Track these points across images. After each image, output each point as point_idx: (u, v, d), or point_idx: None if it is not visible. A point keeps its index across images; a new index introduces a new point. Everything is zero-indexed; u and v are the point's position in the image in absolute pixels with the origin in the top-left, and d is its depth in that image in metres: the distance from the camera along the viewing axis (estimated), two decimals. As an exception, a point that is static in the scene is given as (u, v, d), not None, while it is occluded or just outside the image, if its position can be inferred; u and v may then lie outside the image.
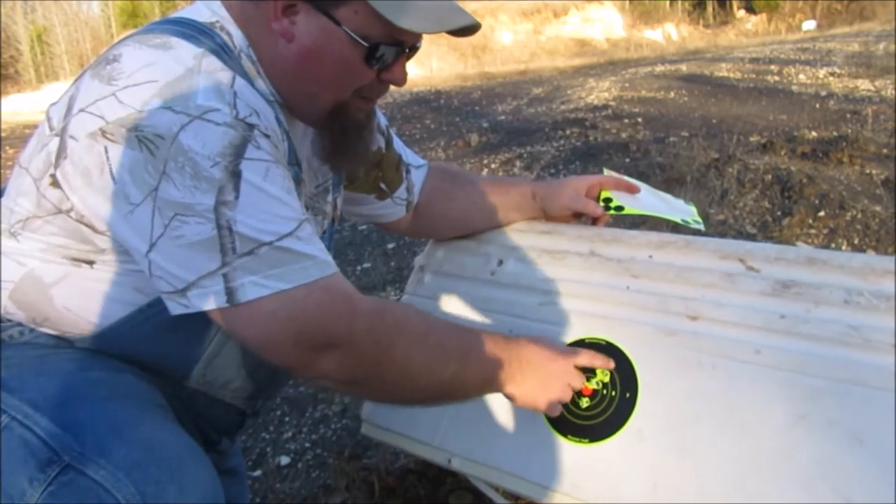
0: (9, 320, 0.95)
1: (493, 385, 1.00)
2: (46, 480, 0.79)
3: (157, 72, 0.83)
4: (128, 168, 0.80)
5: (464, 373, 0.95)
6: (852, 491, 0.83)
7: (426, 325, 0.95)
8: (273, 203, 0.83)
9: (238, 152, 0.81)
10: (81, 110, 0.83)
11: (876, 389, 0.86)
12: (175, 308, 0.83)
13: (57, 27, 53.35)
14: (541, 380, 1.01)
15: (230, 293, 0.80)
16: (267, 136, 0.85)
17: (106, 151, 0.81)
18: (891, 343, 0.88)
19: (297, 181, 0.99)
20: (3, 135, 12.71)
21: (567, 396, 1.04)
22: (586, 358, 1.05)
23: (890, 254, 2.91)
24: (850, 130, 5.19)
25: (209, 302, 0.81)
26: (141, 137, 0.79)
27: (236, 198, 0.80)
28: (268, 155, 0.84)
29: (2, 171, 7.53)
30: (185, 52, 0.85)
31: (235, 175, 0.80)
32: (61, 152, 0.85)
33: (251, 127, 0.83)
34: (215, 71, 0.85)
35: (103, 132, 0.81)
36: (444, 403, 1.10)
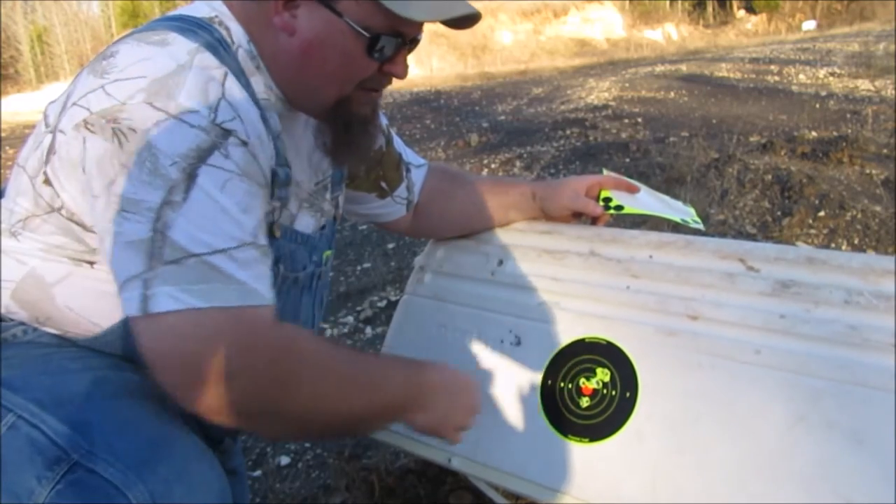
0: (11, 319, 0.95)
1: (400, 415, 0.98)
2: (55, 478, 0.79)
3: (148, 67, 0.82)
4: (96, 159, 0.80)
5: (371, 406, 0.93)
6: (852, 491, 0.83)
7: (335, 361, 0.90)
8: (220, 216, 0.80)
9: (201, 157, 0.80)
10: (74, 104, 0.84)
11: (876, 390, 0.86)
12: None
13: (57, 27, 53.36)
14: (445, 407, 1.01)
15: (144, 301, 0.77)
16: (244, 144, 0.84)
17: (85, 142, 0.81)
18: (891, 343, 0.88)
19: (288, 182, 0.98)
20: (3, 135, 12.71)
21: (470, 424, 1.04)
22: (475, 384, 1.07)
23: (890, 254, 2.90)
24: (850, 130, 5.19)
25: (127, 307, 0.78)
26: (116, 129, 0.79)
27: (183, 200, 0.78)
28: (234, 166, 0.82)
29: (2, 171, 7.53)
30: (180, 48, 0.85)
31: (190, 178, 0.79)
32: (52, 148, 0.86)
33: (227, 133, 0.82)
34: (207, 68, 0.85)
35: (86, 123, 0.81)
36: (349, 436, 1.08)
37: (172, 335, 0.77)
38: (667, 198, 1.39)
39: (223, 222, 0.80)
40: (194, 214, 0.78)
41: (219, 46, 0.89)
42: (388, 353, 1.02)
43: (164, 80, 0.81)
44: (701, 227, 1.29)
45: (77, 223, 0.88)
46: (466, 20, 0.94)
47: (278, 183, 0.96)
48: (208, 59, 0.86)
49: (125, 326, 0.93)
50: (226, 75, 0.86)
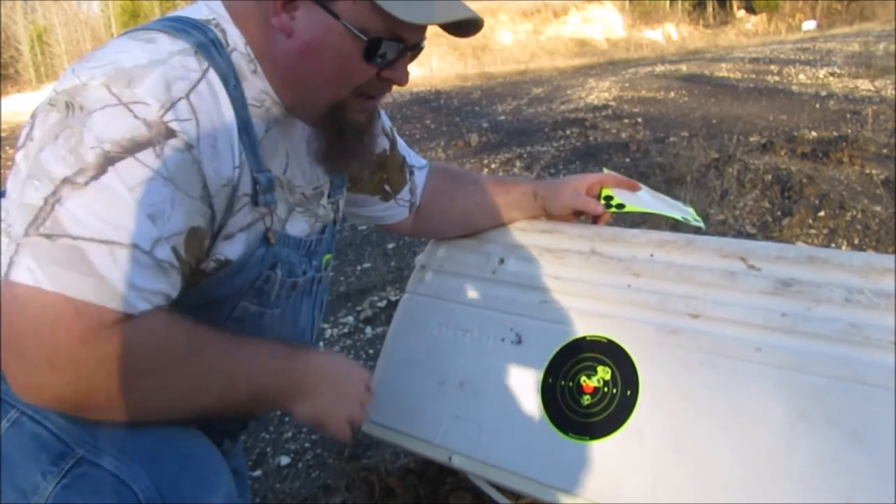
0: None
1: (274, 401, 0.95)
2: (60, 473, 0.79)
3: (122, 58, 0.83)
4: (44, 130, 0.80)
5: (229, 396, 0.88)
6: (853, 490, 0.83)
7: (187, 353, 0.84)
8: (118, 209, 0.77)
9: (131, 148, 0.78)
10: (52, 90, 0.85)
11: (876, 387, 0.86)
12: None
13: (57, 27, 53.37)
14: (329, 397, 0.97)
15: (9, 265, 0.76)
16: (188, 148, 0.82)
17: (46, 119, 0.81)
18: (891, 341, 0.88)
19: (270, 188, 0.96)
20: (3, 135, 12.71)
21: (360, 417, 1.00)
22: (370, 380, 1.03)
23: (890, 254, 2.90)
24: (850, 130, 5.19)
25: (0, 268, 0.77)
26: (68, 103, 0.80)
27: (85, 184, 0.76)
28: (163, 168, 0.80)
29: (2, 171, 7.53)
30: (161, 47, 0.85)
31: (102, 167, 0.77)
32: (29, 136, 0.86)
33: (170, 133, 0.81)
34: (181, 67, 0.84)
35: (50, 102, 0.82)
36: (222, 419, 1.04)
37: (15, 307, 0.75)
38: (667, 198, 1.39)
39: (118, 217, 0.78)
40: (90, 200, 0.77)
41: (211, 47, 0.88)
42: (272, 341, 0.97)
43: (129, 70, 0.81)
44: (701, 225, 1.29)
45: None
46: (468, 27, 0.93)
47: (261, 189, 0.95)
48: (189, 61, 0.85)
49: None
50: (200, 79, 0.85)
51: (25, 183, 0.78)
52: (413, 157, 1.32)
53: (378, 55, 0.91)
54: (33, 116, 0.87)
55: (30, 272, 0.74)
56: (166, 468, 0.80)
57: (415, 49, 0.96)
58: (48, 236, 0.75)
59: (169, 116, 0.81)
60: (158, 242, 0.80)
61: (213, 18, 0.93)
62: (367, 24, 0.88)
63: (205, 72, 0.86)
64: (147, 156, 0.79)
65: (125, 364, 0.78)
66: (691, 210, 1.35)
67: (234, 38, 0.92)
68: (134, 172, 0.78)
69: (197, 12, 0.94)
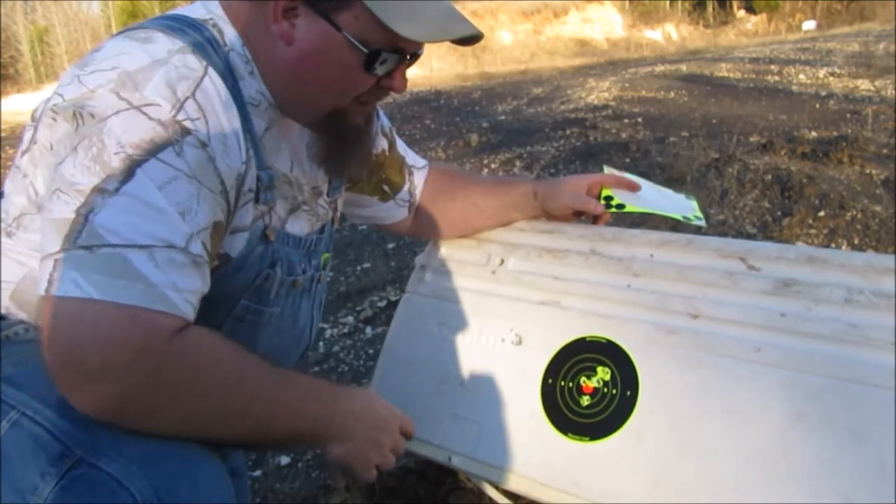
0: (12, 318, 0.95)
1: (308, 440, 0.97)
2: (59, 474, 0.79)
3: (123, 60, 0.83)
4: (57, 141, 0.81)
5: (267, 428, 0.89)
6: (853, 489, 0.83)
7: (235, 378, 0.85)
8: (150, 212, 0.78)
9: (152, 150, 0.79)
10: (53, 93, 0.85)
11: (876, 387, 0.86)
12: None
13: (57, 27, 53.37)
14: (362, 441, 0.96)
15: (50, 281, 0.76)
16: (202, 146, 0.83)
17: (52, 127, 0.82)
18: (891, 341, 0.89)
19: (271, 185, 0.97)
20: (3, 135, 12.72)
21: (390, 463, 0.99)
22: (409, 425, 1.02)
23: (890, 254, 2.90)
24: (850, 130, 5.19)
25: (39, 285, 0.77)
26: (78, 113, 0.80)
27: (116, 190, 0.77)
28: (185, 165, 0.81)
29: (2, 171, 7.53)
30: (161, 46, 0.86)
31: (130, 171, 0.78)
32: (33, 139, 0.87)
33: (185, 132, 0.82)
34: (185, 67, 0.84)
35: (55, 108, 0.82)
36: (249, 450, 1.04)
37: (66, 320, 0.75)
38: (669, 191, 1.39)
39: (152, 220, 0.78)
40: (123, 206, 0.77)
41: (207, 45, 0.89)
42: (319, 379, 0.97)
43: (134, 73, 0.82)
44: (703, 223, 1.28)
45: None
46: (468, 39, 0.93)
47: (262, 187, 0.95)
48: (189, 59, 0.86)
49: None
50: (203, 77, 0.86)
51: (51, 199, 0.79)
52: (412, 158, 1.32)
53: (377, 65, 0.92)
54: (36, 119, 0.88)
55: (75, 285, 0.75)
56: (164, 469, 0.80)
57: (413, 58, 0.96)
58: (87, 248, 0.76)
59: (181, 115, 0.82)
60: (192, 238, 0.82)
61: (211, 18, 0.93)
62: (367, 35, 0.89)
63: (206, 70, 0.86)
64: (168, 155, 0.80)
65: (176, 377, 0.79)
66: (694, 204, 1.35)
67: (232, 38, 0.92)
68: (160, 172, 0.79)
69: (194, 12, 0.94)
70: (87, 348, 0.75)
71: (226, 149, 0.87)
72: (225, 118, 0.87)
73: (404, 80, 0.97)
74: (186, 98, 0.83)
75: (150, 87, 0.81)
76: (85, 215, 0.76)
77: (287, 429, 0.91)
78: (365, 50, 0.89)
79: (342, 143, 1.01)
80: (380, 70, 0.92)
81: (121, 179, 0.77)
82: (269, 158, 0.98)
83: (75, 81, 0.83)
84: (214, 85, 0.87)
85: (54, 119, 0.82)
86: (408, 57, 0.95)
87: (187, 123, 0.82)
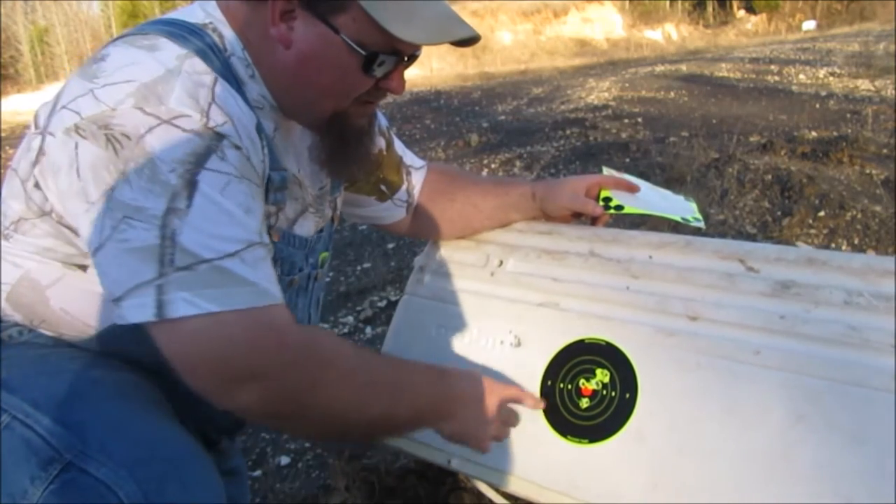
0: (7, 321, 0.95)
1: (427, 421, 0.99)
2: (48, 479, 0.79)
3: (136, 72, 0.82)
4: (91, 165, 0.80)
5: (395, 410, 0.94)
6: (852, 491, 0.83)
7: (358, 362, 0.91)
8: (224, 219, 0.80)
9: (199, 161, 0.80)
10: (63, 107, 0.84)
11: (876, 390, 0.86)
12: (115, 318, 0.81)
13: (57, 27, 53.35)
14: (475, 416, 1.01)
15: (160, 307, 0.77)
16: (237, 148, 0.84)
17: (76, 148, 0.81)
18: (890, 344, 0.88)
19: (283, 186, 0.98)
20: (3, 135, 12.71)
21: (502, 435, 1.04)
22: (516, 392, 1.06)
23: (890, 254, 2.90)
24: (850, 130, 5.19)
25: (139, 314, 0.78)
26: (109, 136, 0.79)
27: (188, 207, 0.78)
28: (232, 168, 0.83)
29: (1, 171, 7.53)
30: (169, 53, 0.85)
31: (191, 184, 0.78)
32: (41, 150, 0.86)
33: (220, 137, 0.82)
34: (196, 73, 0.84)
35: (77, 128, 0.81)
36: (375, 439, 1.08)
37: (194, 340, 0.78)
38: (668, 193, 1.39)
39: (229, 226, 0.80)
40: (200, 220, 0.78)
41: (209, 52, 0.88)
42: (418, 360, 1.03)
43: (152, 85, 0.81)
44: (702, 224, 1.28)
45: (66, 227, 0.88)
46: (466, 41, 0.94)
47: (273, 187, 0.96)
48: (198, 64, 0.85)
49: (120, 328, 0.93)
50: (215, 80, 0.86)
51: (120, 228, 0.78)
52: (410, 158, 1.32)
53: (376, 67, 0.92)
54: (42, 128, 0.87)
55: (189, 304, 0.77)
56: (152, 472, 0.80)
57: (411, 59, 0.96)
58: (186, 268, 0.77)
59: (211, 122, 0.82)
60: (261, 232, 0.85)
61: (210, 22, 0.92)
62: (365, 38, 0.89)
63: (214, 75, 0.87)
64: (215, 162, 0.81)
65: (314, 365, 0.84)
66: (693, 205, 1.35)
67: (231, 42, 0.92)
68: (214, 181, 0.80)
69: (192, 15, 0.93)
70: (230, 358, 0.78)
71: (254, 147, 0.89)
72: (243, 120, 0.87)
73: (403, 81, 0.97)
74: (209, 104, 0.83)
75: (173, 99, 0.81)
76: (171, 238, 0.77)
77: (412, 408, 0.96)
78: (363, 52, 0.89)
79: (344, 145, 1.01)
80: (378, 72, 0.93)
81: (186, 196, 0.78)
82: (282, 159, 0.99)
83: (89, 96, 0.82)
84: (226, 88, 0.87)
85: (80, 139, 0.80)
86: (406, 58, 0.95)
87: (219, 129, 0.82)
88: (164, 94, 0.81)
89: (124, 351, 0.96)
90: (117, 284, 0.79)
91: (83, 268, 0.91)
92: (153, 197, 0.78)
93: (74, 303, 0.92)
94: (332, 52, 0.89)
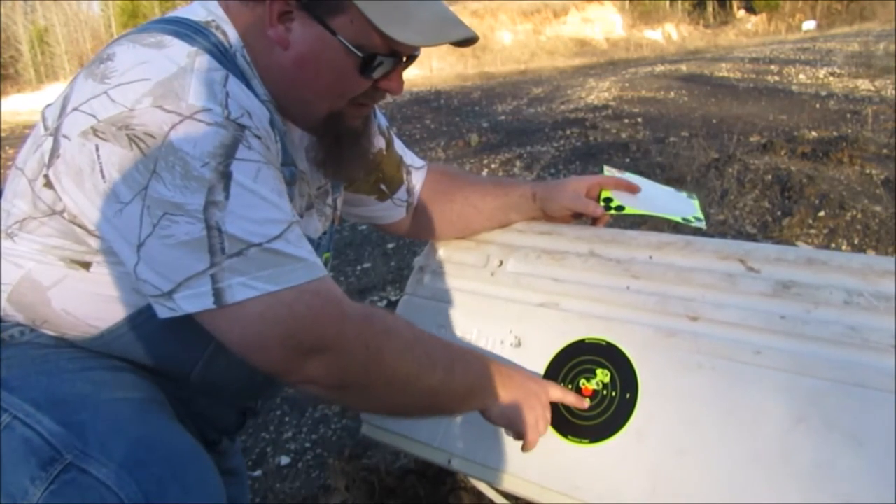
0: (8, 321, 0.95)
1: (478, 397, 1.00)
2: (49, 479, 0.79)
3: (149, 70, 0.82)
4: (118, 166, 0.80)
5: (450, 382, 0.95)
6: (852, 492, 0.83)
7: (413, 334, 0.94)
8: (263, 205, 0.82)
9: (229, 153, 0.80)
10: (75, 109, 0.83)
11: (876, 390, 0.86)
12: (163, 312, 0.82)
13: (57, 27, 53.34)
14: (522, 398, 1.02)
15: (218, 294, 0.79)
16: (258, 137, 0.85)
17: (97, 150, 0.80)
18: (891, 344, 0.88)
19: (293, 181, 0.99)
20: (3, 135, 12.71)
21: (544, 424, 1.04)
22: (559, 392, 1.06)
23: (890, 254, 2.91)
24: (850, 130, 5.19)
25: (196, 303, 0.79)
26: (132, 136, 0.79)
27: (226, 198, 0.79)
28: (259, 156, 0.84)
29: (1, 171, 7.53)
30: (179, 51, 0.85)
31: (226, 176, 0.79)
32: (54, 152, 0.85)
33: (242, 128, 0.83)
34: (208, 70, 0.84)
35: (95, 130, 0.80)
36: (431, 415, 1.09)
37: (258, 320, 0.80)
38: (670, 189, 1.38)
39: (268, 210, 0.82)
40: (241, 208, 0.80)
41: (216, 51, 0.88)
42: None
43: (168, 83, 0.81)
44: (703, 225, 1.28)
45: (79, 226, 0.88)
46: (464, 41, 0.93)
47: (285, 181, 0.96)
48: (208, 61, 0.85)
49: (123, 328, 0.94)
50: (227, 77, 0.86)
51: (161, 224, 0.79)
52: (410, 157, 1.32)
53: (373, 69, 0.92)
54: (53, 130, 0.86)
55: (247, 287, 0.79)
56: (153, 473, 0.80)
57: (410, 60, 0.96)
58: (237, 254, 0.79)
59: (232, 114, 0.83)
60: (293, 211, 0.88)
61: (213, 20, 0.92)
62: (362, 39, 0.89)
63: (225, 72, 0.87)
64: (243, 152, 0.82)
65: (373, 334, 0.87)
66: (695, 203, 1.34)
67: (234, 40, 0.92)
68: (246, 170, 0.81)
69: (194, 13, 0.93)
70: (297, 333, 0.81)
71: (270, 139, 0.89)
72: (259, 114, 0.88)
73: (401, 82, 0.97)
74: (227, 97, 0.84)
75: (192, 95, 0.81)
76: (217, 228, 0.78)
77: (465, 382, 0.97)
78: (360, 54, 0.89)
79: (340, 146, 1.01)
80: (376, 73, 0.93)
81: (223, 188, 0.79)
82: (293, 154, 1.00)
83: (104, 98, 0.81)
84: (237, 83, 0.87)
85: (101, 141, 0.80)
86: (404, 59, 0.95)
87: (240, 120, 0.83)
88: (181, 90, 0.81)
89: (127, 352, 0.96)
90: (166, 279, 0.80)
91: (86, 266, 0.91)
92: (190, 193, 0.78)
93: (76, 303, 0.92)
94: (329, 53, 0.89)
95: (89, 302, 0.92)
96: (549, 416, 1.05)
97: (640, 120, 6.60)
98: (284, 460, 1.94)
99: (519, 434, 1.04)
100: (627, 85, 9.26)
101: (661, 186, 1.38)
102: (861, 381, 0.87)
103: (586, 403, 1.05)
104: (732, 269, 1.05)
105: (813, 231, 3.18)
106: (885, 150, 4.44)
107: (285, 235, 0.82)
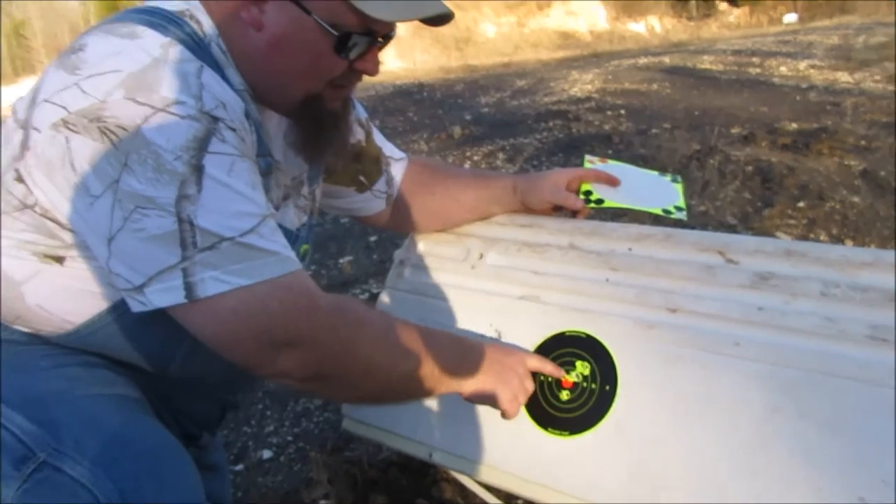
0: None
1: (454, 379, 1.00)
2: (22, 478, 0.78)
3: (121, 61, 0.81)
4: (89, 159, 0.78)
5: (425, 368, 0.95)
6: (827, 481, 0.84)
7: (385, 323, 0.94)
8: (236, 198, 0.81)
9: (202, 146, 0.79)
10: (45, 101, 0.82)
11: (851, 380, 0.87)
12: (135, 306, 0.81)
13: (34, 20, 52.59)
14: (498, 374, 1.02)
15: (189, 288, 0.78)
16: (233, 130, 0.84)
17: (68, 142, 0.79)
18: (866, 335, 0.89)
19: (268, 172, 0.97)
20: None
21: (524, 395, 1.04)
22: (537, 361, 1.06)
23: (867, 244, 2.94)
24: (829, 122, 5.23)
25: (167, 297, 0.79)
26: (103, 128, 0.78)
27: (198, 192, 0.78)
28: (233, 149, 0.83)
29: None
30: (152, 42, 0.84)
31: (198, 169, 0.78)
32: (24, 145, 0.84)
33: (216, 120, 0.82)
34: (182, 61, 0.83)
35: (66, 122, 0.79)
36: (407, 400, 1.09)
37: (230, 315, 0.79)
38: (653, 175, 1.38)
39: (241, 204, 0.81)
40: (213, 202, 0.79)
41: (190, 41, 0.87)
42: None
43: (140, 75, 0.80)
44: (683, 216, 1.28)
45: (52, 220, 0.86)
46: (439, 19, 0.93)
47: (260, 173, 0.95)
48: (181, 52, 0.84)
49: (98, 323, 0.92)
50: (201, 68, 0.85)
51: (132, 219, 0.78)
52: (390, 149, 1.31)
53: (349, 49, 0.91)
54: (24, 123, 0.85)
55: (219, 281, 0.78)
56: (128, 470, 0.79)
57: (386, 39, 0.95)
58: (209, 248, 0.78)
59: (205, 106, 0.81)
60: (268, 204, 0.87)
61: (187, 10, 0.91)
62: (337, 18, 0.88)
63: (200, 63, 0.85)
64: (216, 145, 0.81)
65: (346, 326, 0.87)
66: (679, 187, 1.34)
67: (209, 29, 0.91)
68: (219, 164, 0.80)
69: (168, 3, 0.92)
70: (269, 327, 0.81)
71: (245, 131, 0.88)
72: (234, 105, 0.87)
73: (377, 63, 0.96)
74: (201, 89, 0.82)
75: (165, 87, 0.80)
76: (189, 222, 0.78)
77: (439, 365, 0.97)
78: (335, 33, 0.89)
79: (319, 130, 1.00)
80: (352, 53, 0.92)
81: (195, 181, 0.78)
82: (268, 145, 0.98)
83: (75, 89, 0.80)
84: (212, 75, 0.86)
85: (71, 133, 0.79)
86: (380, 39, 0.94)
87: (214, 112, 0.82)
88: (153, 82, 0.80)
89: (103, 347, 0.95)
90: (137, 273, 0.79)
91: (60, 261, 0.89)
92: (162, 186, 0.77)
93: (51, 298, 0.91)
94: (304, 33, 0.89)
95: (63, 297, 0.91)
96: (529, 385, 1.05)
97: (622, 112, 6.62)
98: (266, 454, 1.93)
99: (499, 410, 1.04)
100: (611, 77, 9.28)
101: (644, 172, 1.38)
102: (837, 372, 0.88)
103: (564, 373, 1.06)
104: (712, 261, 1.05)
105: (792, 222, 3.21)
106: (863, 142, 4.48)
107: (258, 229, 0.82)
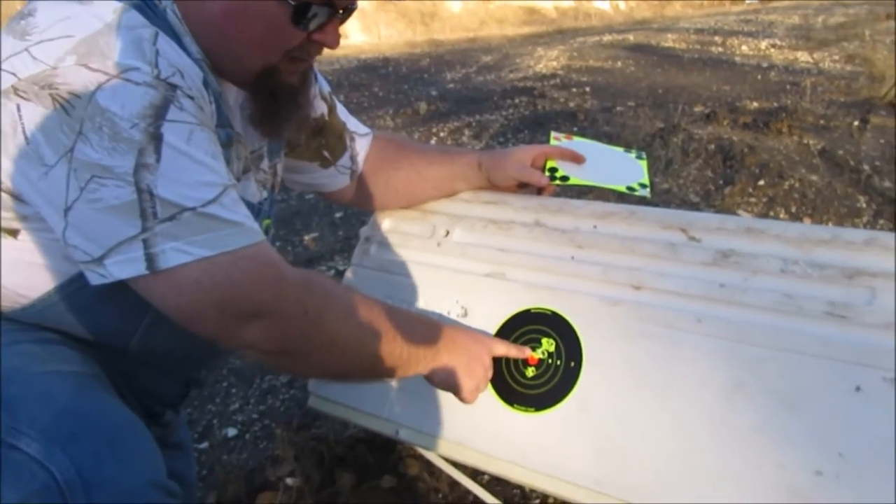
0: None
1: (420, 362, 1.00)
2: None
3: (72, 26, 0.78)
4: (41, 127, 0.76)
5: (392, 348, 0.95)
6: (787, 455, 0.86)
7: (353, 299, 0.93)
8: (196, 168, 0.79)
9: (159, 114, 0.77)
10: None
11: (809, 356, 0.89)
12: (94, 279, 0.79)
13: None
14: (465, 365, 1.03)
15: (150, 259, 0.76)
16: (191, 98, 0.81)
17: (18, 110, 0.76)
18: (824, 311, 0.91)
19: (229, 143, 0.95)
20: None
21: (485, 385, 1.05)
22: (503, 347, 1.07)
23: (825, 222, 3.00)
24: (789, 101, 5.31)
25: (128, 269, 0.77)
26: (55, 96, 0.75)
27: (157, 161, 0.76)
28: (191, 117, 0.80)
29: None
30: (104, 7, 0.81)
31: (156, 138, 0.76)
32: None
33: (173, 87, 0.79)
34: (136, 27, 0.80)
35: (16, 89, 0.76)
36: (373, 380, 1.09)
37: (196, 286, 0.78)
38: (618, 151, 1.39)
39: (202, 173, 0.79)
40: (173, 171, 0.77)
41: (145, 6, 0.84)
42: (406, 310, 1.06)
43: (92, 40, 0.77)
44: (647, 194, 1.29)
45: (5, 191, 0.84)
46: None
47: (220, 143, 0.92)
48: (136, 17, 0.81)
49: (55, 297, 0.90)
50: (156, 34, 0.82)
51: (89, 189, 0.75)
52: (355, 124, 1.30)
53: (308, 19, 0.89)
54: None
55: (181, 252, 0.76)
56: (86, 448, 0.77)
57: (346, 12, 0.93)
58: (169, 218, 0.76)
59: (162, 73, 0.79)
60: (230, 174, 0.85)
61: None
62: None
63: (155, 29, 0.82)
64: (174, 113, 0.78)
65: (312, 299, 0.86)
66: (643, 164, 1.35)
67: None
68: (178, 132, 0.78)
69: None
70: (233, 298, 0.79)
71: (203, 100, 0.85)
72: (191, 73, 0.84)
73: (337, 36, 0.94)
74: (156, 56, 0.79)
75: (118, 52, 0.77)
76: (148, 192, 0.75)
77: (407, 347, 0.96)
78: (292, 2, 0.86)
79: (276, 104, 0.98)
80: (310, 24, 0.90)
81: (153, 150, 0.76)
82: (228, 115, 0.96)
83: (24, 55, 0.77)
84: (168, 42, 0.83)
85: (22, 101, 0.76)
86: (340, 11, 0.92)
87: (171, 80, 0.79)
88: (106, 48, 0.77)
89: (60, 322, 0.93)
90: (96, 244, 0.77)
91: (14, 234, 0.87)
92: (119, 155, 0.75)
93: (5, 272, 0.89)
94: (260, 2, 0.86)
95: (18, 270, 0.88)
96: (491, 373, 1.06)
97: (587, 89, 6.63)
98: (231, 432, 1.92)
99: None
100: (576, 54, 9.28)
101: (609, 149, 1.39)
102: (796, 348, 0.90)
103: (528, 352, 1.07)
104: (674, 238, 1.06)
105: (753, 199, 3.26)
106: (821, 122, 4.56)
107: (220, 199, 0.80)
